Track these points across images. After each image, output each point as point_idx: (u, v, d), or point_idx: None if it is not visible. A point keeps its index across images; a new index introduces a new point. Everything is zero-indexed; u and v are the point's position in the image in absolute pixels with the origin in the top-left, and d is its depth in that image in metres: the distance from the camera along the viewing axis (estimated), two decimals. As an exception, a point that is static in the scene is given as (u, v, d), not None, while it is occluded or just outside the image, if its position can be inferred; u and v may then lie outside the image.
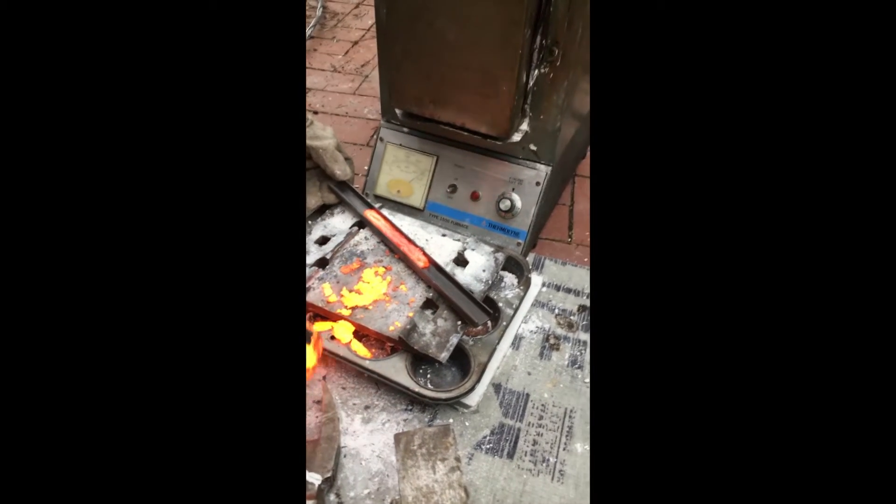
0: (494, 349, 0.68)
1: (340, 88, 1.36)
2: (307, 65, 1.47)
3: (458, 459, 0.49)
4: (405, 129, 0.88)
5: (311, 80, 1.39)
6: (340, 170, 0.81)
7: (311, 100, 1.31)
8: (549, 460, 0.60)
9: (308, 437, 0.61)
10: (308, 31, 1.57)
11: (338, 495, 0.57)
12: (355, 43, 1.60)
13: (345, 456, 0.60)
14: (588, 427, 0.64)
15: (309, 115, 0.81)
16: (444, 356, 0.64)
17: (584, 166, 1.11)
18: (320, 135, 0.80)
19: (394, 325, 0.67)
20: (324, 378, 0.68)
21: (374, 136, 1.17)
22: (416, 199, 0.88)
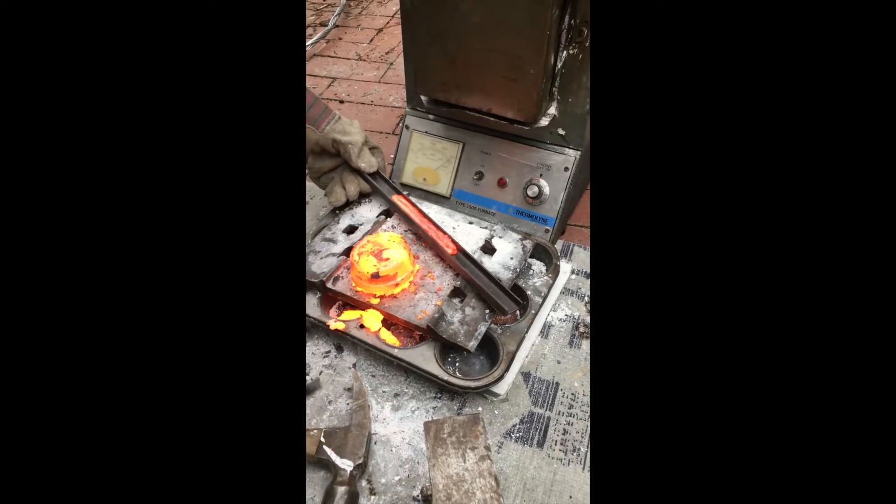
0: (523, 337, 0.68)
1: (365, 77, 1.36)
2: (332, 53, 1.47)
3: (487, 448, 0.49)
4: (430, 117, 0.87)
5: (337, 68, 1.40)
6: (366, 162, 0.81)
7: (337, 89, 1.31)
8: (579, 449, 0.60)
9: (340, 425, 0.62)
10: (332, 20, 1.57)
11: (369, 481, 0.58)
12: (380, 30, 1.59)
13: (375, 443, 0.60)
14: (620, 416, 0.63)
15: (336, 111, 0.81)
16: (472, 345, 0.64)
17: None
18: (348, 130, 0.80)
19: (422, 313, 0.67)
20: (354, 366, 0.69)
21: (400, 124, 1.17)
22: (443, 187, 0.88)
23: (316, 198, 0.95)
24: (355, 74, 1.37)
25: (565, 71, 0.72)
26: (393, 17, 1.67)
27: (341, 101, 1.26)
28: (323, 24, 1.60)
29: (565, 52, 0.70)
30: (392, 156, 0.99)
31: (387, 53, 1.46)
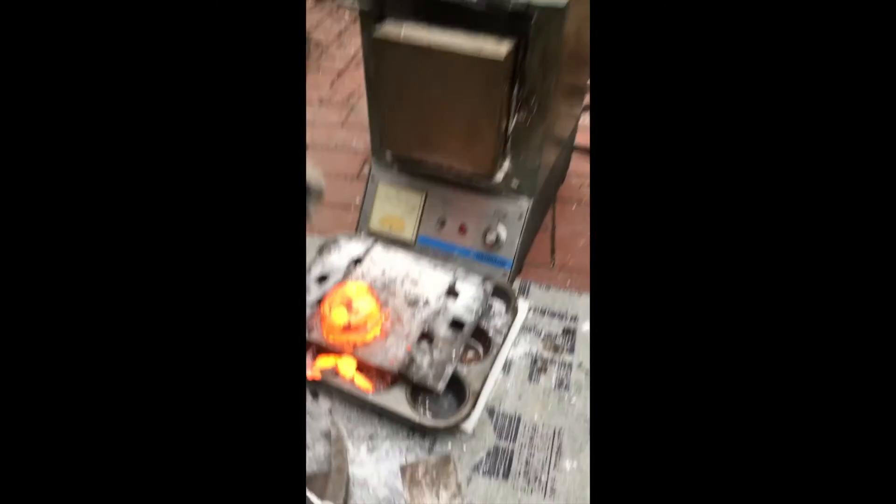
0: (487, 376, 0.74)
1: (329, 121, 1.41)
2: (295, 98, 1.52)
3: (458, 486, 0.55)
4: (395, 168, 0.94)
5: (300, 113, 1.44)
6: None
7: (301, 133, 1.36)
8: (541, 478, 0.66)
9: (319, 470, 0.66)
10: (294, 63, 1.62)
11: (349, 522, 0.62)
12: (340, 73, 1.65)
13: (353, 485, 0.65)
14: (575, 445, 0.69)
15: None
16: (441, 386, 0.70)
17: (564, 189, 1.17)
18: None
19: (393, 358, 0.73)
20: (330, 410, 0.73)
21: (363, 168, 1.23)
22: (408, 233, 0.94)
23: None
24: (318, 119, 1.42)
25: (516, 133, 0.80)
26: (353, 58, 1.74)
27: (307, 147, 1.31)
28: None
29: (516, 118, 0.78)
30: (358, 199, 1.04)
31: (348, 97, 1.52)
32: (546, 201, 1.05)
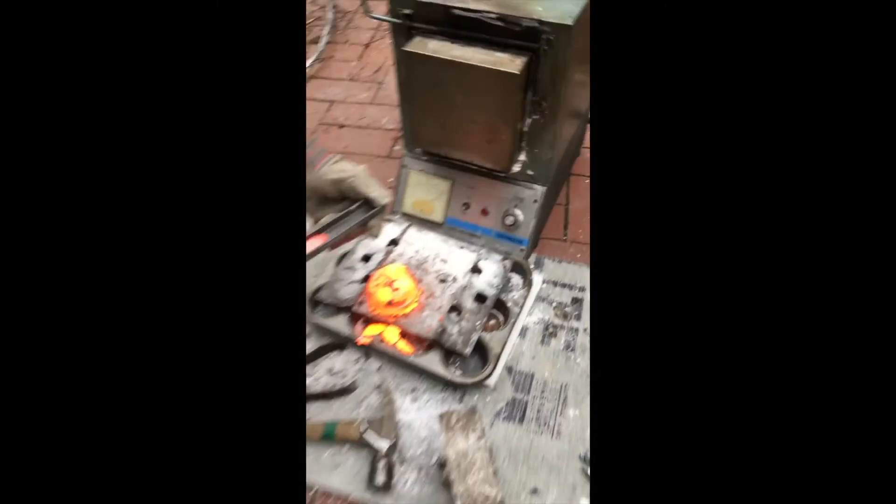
0: (506, 341, 0.90)
1: (359, 98, 1.51)
2: (326, 75, 1.61)
3: (483, 430, 0.72)
4: (424, 158, 1.06)
5: (332, 91, 1.54)
6: (377, 192, 0.73)
7: (335, 112, 1.47)
8: (549, 423, 0.83)
9: (374, 415, 0.84)
10: (324, 39, 1.69)
11: (400, 455, 0.80)
12: (367, 45, 1.73)
13: (402, 427, 0.83)
14: (577, 396, 0.86)
15: (331, 154, 0.76)
16: (468, 351, 0.86)
17: (578, 165, 1.27)
18: (346, 167, 0.74)
19: (428, 328, 0.89)
20: (379, 369, 0.91)
21: (394, 146, 1.34)
22: (437, 216, 1.07)
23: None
24: (350, 97, 1.52)
25: (530, 131, 0.91)
26: (377, 29, 1.80)
27: (341, 126, 1.43)
28: (314, 42, 1.72)
29: (529, 119, 0.89)
30: (390, 179, 1.18)
31: (375, 72, 1.61)
32: (560, 180, 1.16)
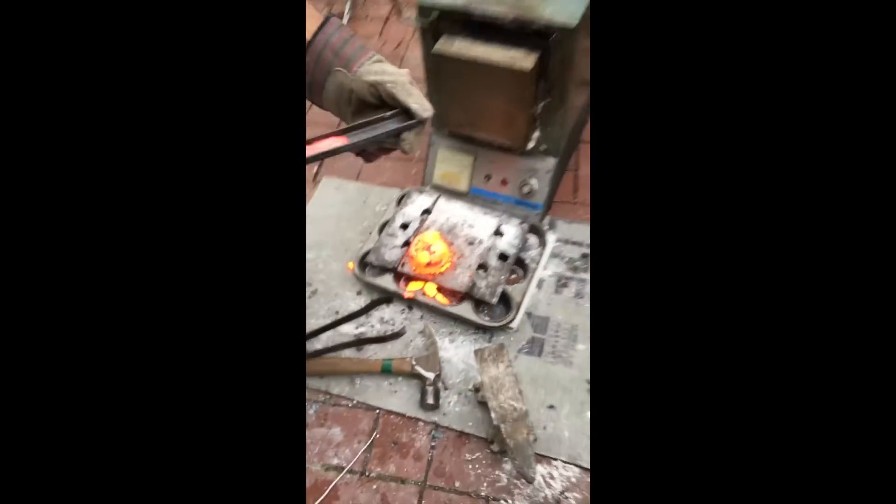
0: (525, 292, 1.08)
1: (384, 75, 1.64)
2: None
3: (509, 361, 0.92)
4: (450, 137, 1.21)
5: (359, 68, 1.67)
6: (418, 103, 0.63)
7: (363, 90, 1.60)
8: (562, 355, 1.03)
9: (420, 354, 1.05)
10: (346, 14, 1.80)
11: (443, 383, 1.01)
12: (386, 20, 1.83)
13: (443, 362, 1.04)
14: (585, 335, 1.05)
15: (376, 55, 0.67)
16: (494, 300, 1.05)
17: (586, 132, 1.41)
18: (388, 70, 0.64)
19: (462, 283, 1.08)
20: (422, 317, 1.11)
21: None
22: (463, 186, 1.24)
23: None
24: (375, 74, 1.65)
25: (543, 113, 1.06)
26: (394, 5, 1.89)
27: (370, 104, 1.57)
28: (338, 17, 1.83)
29: (542, 103, 1.03)
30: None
31: (396, 48, 1.73)
32: (571, 149, 1.31)
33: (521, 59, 0.94)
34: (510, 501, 0.88)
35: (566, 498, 0.87)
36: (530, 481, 0.87)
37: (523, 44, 0.95)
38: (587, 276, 1.13)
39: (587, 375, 1.00)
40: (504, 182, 1.20)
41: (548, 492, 0.88)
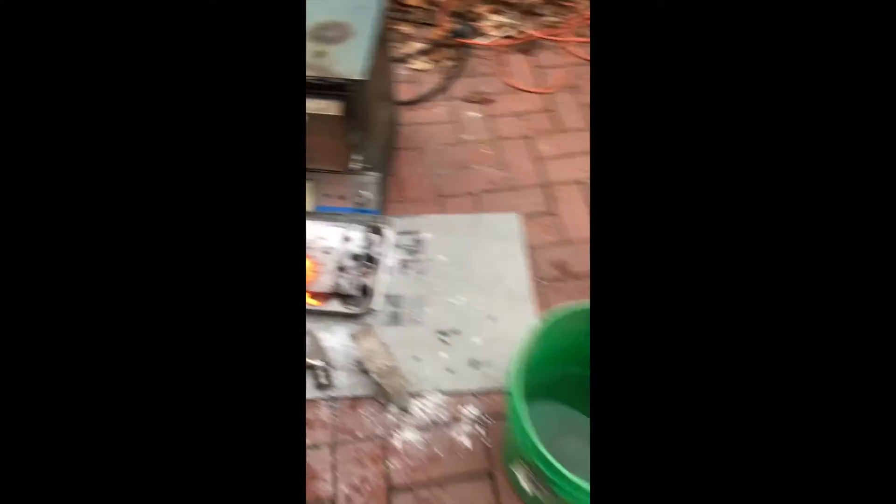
0: (379, 279, 1.39)
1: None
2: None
3: (377, 335, 1.22)
4: (288, 169, 1.45)
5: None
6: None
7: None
8: (416, 319, 1.36)
9: (308, 349, 1.30)
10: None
11: (330, 364, 1.29)
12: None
13: (328, 349, 1.31)
14: (427, 300, 1.40)
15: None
16: (354, 292, 1.34)
17: (402, 140, 1.74)
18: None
19: (327, 285, 1.35)
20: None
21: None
22: (309, 206, 1.49)
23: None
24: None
25: (357, 140, 1.35)
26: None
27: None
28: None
29: (353, 133, 1.33)
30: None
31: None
32: (388, 159, 1.63)
33: (332, 107, 1.22)
34: (400, 431, 1.20)
35: (438, 416, 1.22)
36: (409, 412, 1.20)
37: (333, 96, 1.23)
38: (422, 255, 1.48)
39: (436, 328, 1.35)
40: (342, 197, 1.48)
41: (424, 415, 1.22)
